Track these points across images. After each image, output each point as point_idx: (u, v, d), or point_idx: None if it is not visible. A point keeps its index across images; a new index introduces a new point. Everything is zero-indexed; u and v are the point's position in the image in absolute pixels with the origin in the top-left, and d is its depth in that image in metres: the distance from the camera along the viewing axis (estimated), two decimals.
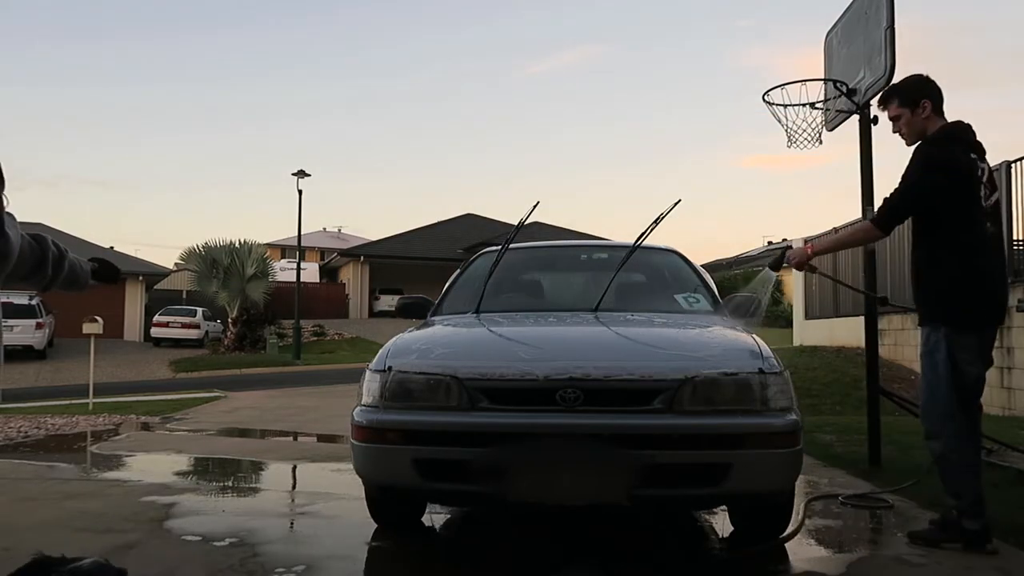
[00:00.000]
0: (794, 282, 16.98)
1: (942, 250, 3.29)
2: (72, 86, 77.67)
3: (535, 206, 4.12)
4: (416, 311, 4.40)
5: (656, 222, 4.12)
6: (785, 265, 3.81)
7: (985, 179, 3.31)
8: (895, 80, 4.82)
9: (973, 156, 3.28)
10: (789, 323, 18.10)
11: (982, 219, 3.28)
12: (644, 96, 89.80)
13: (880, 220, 3.40)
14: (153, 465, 6.07)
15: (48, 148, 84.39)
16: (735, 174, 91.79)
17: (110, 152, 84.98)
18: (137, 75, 79.56)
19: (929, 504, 4.00)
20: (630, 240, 4.27)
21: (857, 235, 3.73)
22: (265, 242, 34.40)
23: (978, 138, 3.38)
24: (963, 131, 3.37)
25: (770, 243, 43.78)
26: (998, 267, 3.40)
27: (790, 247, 3.79)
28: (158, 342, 27.89)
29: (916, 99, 3.38)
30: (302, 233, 27.68)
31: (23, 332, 23.20)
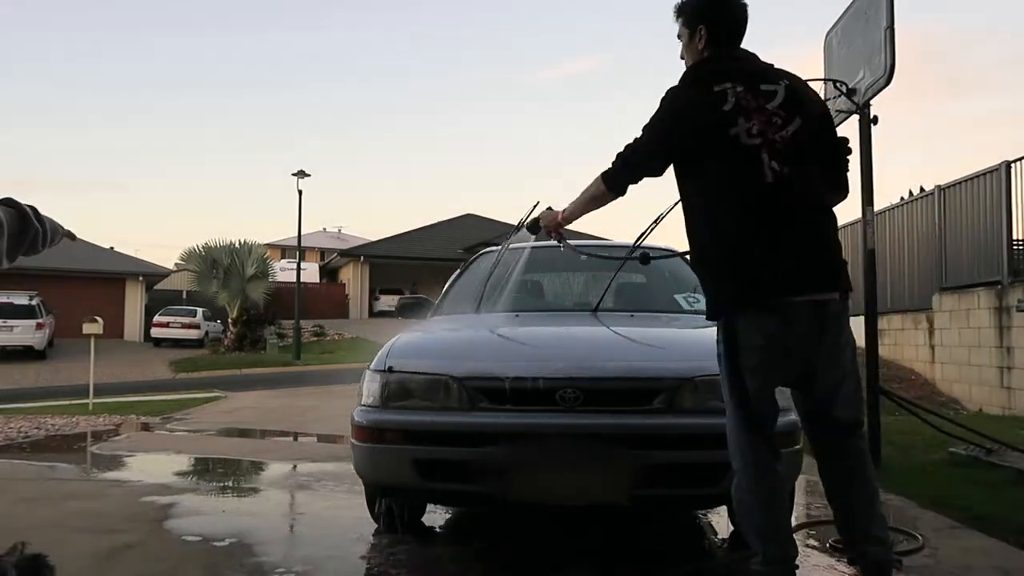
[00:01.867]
0: None
1: (699, 216, 2.53)
2: (69, 86, 77.68)
3: (535, 206, 4.11)
4: (416, 311, 4.40)
5: (656, 222, 4.11)
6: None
7: (776, 104, 2.44)
8: (894, 80, 4.84)
9: (728, 85, 2.43)
10: None
11: (749, 162, 2.39)
12: (645, 98, 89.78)
13: (608, 175, 2.63)
14: (153, 465, 6.07)
15: (51, 149, 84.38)
16: None
17: (110, 153, 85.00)
18: (135, 76, 79.58)
19: (931, 503, 4.00)
20: (630, 240, 4.26)
21: (592, 195, 2.74)
22: (265, 242, 34.40)
23: (754, 60, 2.56)
24: (719, 59, 2.55)
25: None
26: (778, 223, 2.38)
27: (549, 208, 3.06)
28: (158, 342, 27.88)
29: (694, 23, 2.58)
30: (302, 233, 27.68)
31: (23, 332, 23.22)
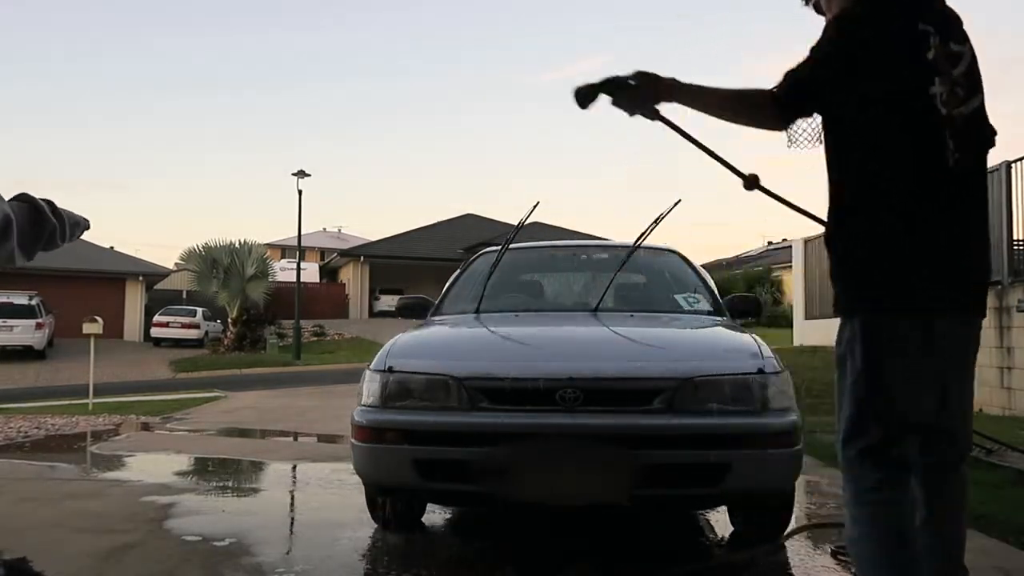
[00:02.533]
0: (794, 282, 16.99)
1: (858, 189, 1.98)
2: (69, 86, 77.67)
3: (535, 206, 4.12)
4: (416, 311, 4.40)
5: (656, 222, 4.12)
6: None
7: (961, 72, 1.95)
8: None
9: (930, 28, 1.93)
10: (789, 323, 18.10)
11: (935, 137, 1.91)
12: None
13: (779, 93, 1.97)
14: (153, 465, 6.07)
15: (51, 149, 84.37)
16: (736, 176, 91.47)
17: (110, 153, 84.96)
18: (135, 76, 79.58)
19: None
20: (630, 240, 4.27)
21: (743, 94, 2.06)
22: (265, 242, 34.41)
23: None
24: None
25: (770, 243, 43.77)
26: (947, 222, 1.90)
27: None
28: (158, 342, 27.89)
29: None
30: (302, 233, 27.69)
31: (23, 332, 23.23)
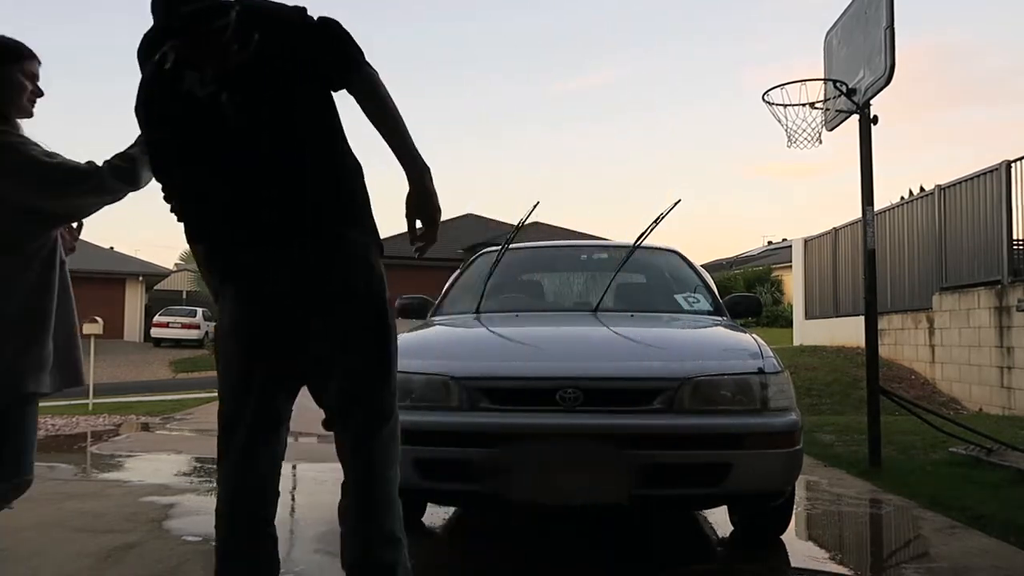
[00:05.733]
0: (794, 282, 17.00)
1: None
2: (69, 85, 77.67)
3: (535, 206, 4.12)
4: (416, 311, 4.40)
5: (656, 222, 4.13)
6: None
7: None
8: (896, 84, 4.84)
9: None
10: (789, 323, 18.11)
11: None
12: (651, 105, 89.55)
13: None
14: (153, 465, 6.07)
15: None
16: (739, 179, 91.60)
17: (107, 152, 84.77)
18: (130, 71, 79.41)
19: (931, 503, 4.01)
20: (630, 240, 4.27)
21: None
22: None
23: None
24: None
25: (770, 243, 43.79)
26: None
27: None
28: (158, 342, 27.90)
29: None
30: None
31: None
